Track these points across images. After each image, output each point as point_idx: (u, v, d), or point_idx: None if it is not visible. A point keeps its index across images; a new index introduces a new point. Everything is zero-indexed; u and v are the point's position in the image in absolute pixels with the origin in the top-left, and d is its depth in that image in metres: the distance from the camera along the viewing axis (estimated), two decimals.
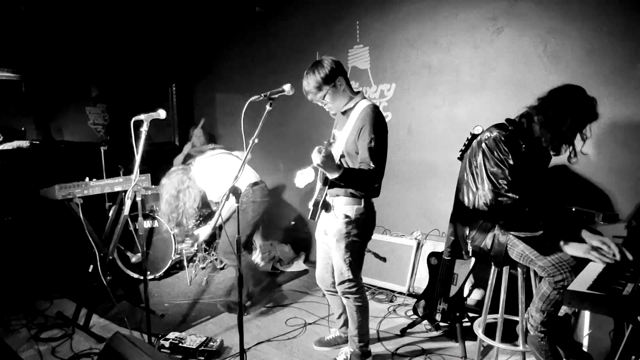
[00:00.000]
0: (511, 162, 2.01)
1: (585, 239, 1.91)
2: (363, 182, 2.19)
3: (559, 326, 2.12)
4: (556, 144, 2.05)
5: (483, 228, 2.18)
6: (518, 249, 2.06)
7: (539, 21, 3.04)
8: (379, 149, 2.19)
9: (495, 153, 2.04)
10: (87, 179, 3.18)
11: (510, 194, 1.98)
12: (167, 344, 2.72)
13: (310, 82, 2.24)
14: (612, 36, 2.78)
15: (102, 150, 4.23)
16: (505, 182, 2.00)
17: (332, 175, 2.00)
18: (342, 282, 2.41)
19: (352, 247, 2.34)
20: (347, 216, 2.29)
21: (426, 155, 3.72)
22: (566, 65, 2.94)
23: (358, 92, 2.37)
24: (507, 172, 2.00)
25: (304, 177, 2.49)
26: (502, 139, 2.06)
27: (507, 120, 2.18)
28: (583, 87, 2.04)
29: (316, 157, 1.91)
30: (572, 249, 1.91)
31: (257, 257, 4.52)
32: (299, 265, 4.39)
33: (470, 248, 2.24)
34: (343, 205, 2.31)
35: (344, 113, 2.36)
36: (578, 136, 2.05)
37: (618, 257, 1.80)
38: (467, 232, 2.24)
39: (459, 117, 3.49)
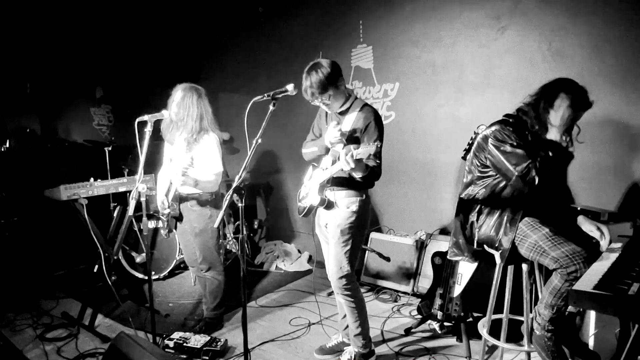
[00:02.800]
0: (520, 143, 2.07)
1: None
2: (374, 177, 2.35)
3: (565, 325, 2.11)
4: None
5: (490, 217, 2.19)
6: (531, 239, 2.05)
7: (543, 19, 3.02)
8: (381, 146, 2.31)
9: (507, 139, 2.09)
10: (91, 179, 3.19)
11: (532, 171, 2.03)
12: (171, 343, 2.73)
13: (314, 83, 2.26)
14: (616, 34, 2.76)
15: (106, 151, 4.25)
16: (525, 162, 2.04)
17: (359, 175, 2.18)
18: (340, 278, 2.44)
19: (354, 238, 2.41)
20: (351, 207, 2.39)
21: (430, 155, 3.71)
22: (571, 63, 2.93)
23: (350, 92, 2.44)
24: (524, 151, 2.05)
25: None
26: (510, 128, 2.12)
27: (506, 115, 2.23)
28: (573, 79, 2.10)
29: (349, 163, 2.05)
30: (585, 224, 2.04)
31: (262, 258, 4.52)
32: (302, 265, 4.39)
33: (477, 239, 2.24)
34: (346, 198, 2.39)
35: (341, 113, 2.41)
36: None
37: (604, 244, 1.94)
38: (476, 222, 2.24)
39: (463, 116, 3.48)
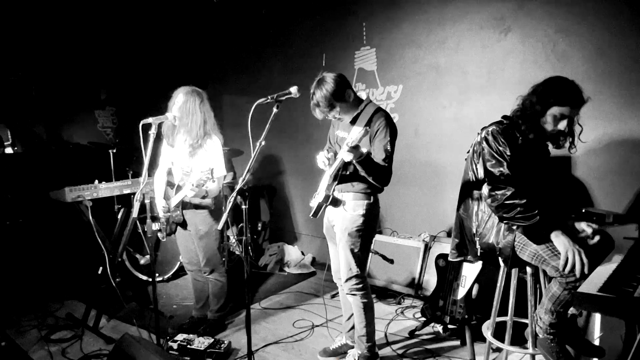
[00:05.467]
0: (509, 154, 2.05)
1: (555, 239, 1.95)
2: (378, 173, 2.26)
3: (567, 326, 2.10)
4: (542, 140, 2.13)
5: (490, 225, 2.17)
6: (531, 248, 2.04)
7: (547, 21, 3.02)
8: (392, 151, 2.31)
9: (494, 146, 2.08)
10: (96, 181, 3.20)
11: (505, 187, 2.01)
12: (175, 345, 2.74)
13: (320, 101, 2.28)
14: (621, 35, 2.76)
15: (111, 153, 4.26)
16: (502, 175, 2.03)
17: (358, 158, 2.12)
18: (350, 279, 2.44)
19: (361, 242, 2.40)
20: (358, 211, 2.37)
21: (433, 156, 3.71)
22: (575, 64, 2.92)
23: (362, 97, 2.42)
24: (506, 164, 2.03)
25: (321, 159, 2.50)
26: (500, 131, 2.10)
27: (503, 116, 2.23)
28: (562, 77, 2.05)
29: (348, 155, 2.07)
30: (558, 242, 1.93)
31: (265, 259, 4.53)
32: (306, 267, 4.39)
33: (478, 246, 2.23)
34: (353, 200, 2.38)
35: (352, 121, 2.40)
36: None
37: (577, 274, 1.85)
38: (475, 230, 2.23)
39: (466, 118, 3.47)
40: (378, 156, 2.27)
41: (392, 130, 2.31)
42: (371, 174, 2.24)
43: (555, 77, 2.06)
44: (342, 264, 2.47)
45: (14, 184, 4.07)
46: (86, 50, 4.91)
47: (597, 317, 2.34)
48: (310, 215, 2.42)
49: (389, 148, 2.28)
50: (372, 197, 2.40)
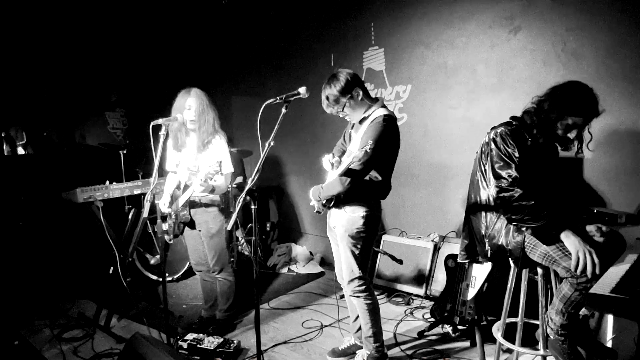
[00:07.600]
0: (517, 156, 2.04)
1: (565, 239, 1.93)
2: (352, 179, 2.25)
3: (579, 327, 2.08)
4: (551, 141, 2.11)
5: (499, 226, 2.16)
6: (541, 248, 2.03)
7: (558, 19, 2.99)
8: (372, 149, 2.11)
9: (502, 148, 2.07)
10: (107, 182, 3.23)
11: (513, 189, 2.00)
12: (185, 344, 2.76)
13: (328, 95, 2.31)
14: (632, 33, 2.72)
15: (121, 154, 4.30)
16: (510, 178, 2.02)
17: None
18: (352, 280, 2.43)
19: (362, 243, 2.40)
20: (358, 213, 2.36)
21: (443, 157, 3.69)
22: (586, 63, 2.89)
23: (376, 100, 2.41)
24: (514, 167, 2.03)
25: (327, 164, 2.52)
26: (508, 133, 2.09)
27: (512, 117, 2.22)
28: (585, 84, 2.02)
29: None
30: (569, 242, 1.91)
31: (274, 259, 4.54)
32: (314, 268, 4.39)
33: (488, 247, 2.22)
34: (354, 202, 2.37)
35: (360, 121, 2.40)
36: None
37: (588, 275, 1.84)
38: (484, 232, 2.22)
39: (475, 118, 3.45)
40: (355, 152, 2.16)
41: (382, 133, 2.21)
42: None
43: (575, 83, 2.03)
44: (343, 265, 2.47)
45: (27, 185, 4.12)
46: (96, 53, 4.96)
47: (609, 319, 2.32)
48: (314, 211, 2.43)
49: (367, 149, 2.10)
50: (372, 200, 2.40)
